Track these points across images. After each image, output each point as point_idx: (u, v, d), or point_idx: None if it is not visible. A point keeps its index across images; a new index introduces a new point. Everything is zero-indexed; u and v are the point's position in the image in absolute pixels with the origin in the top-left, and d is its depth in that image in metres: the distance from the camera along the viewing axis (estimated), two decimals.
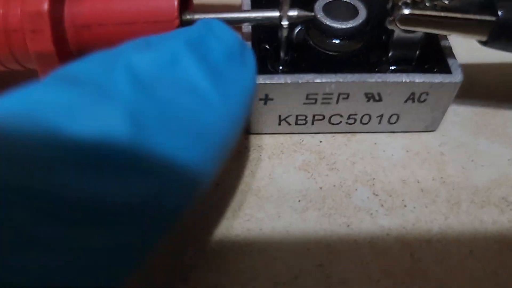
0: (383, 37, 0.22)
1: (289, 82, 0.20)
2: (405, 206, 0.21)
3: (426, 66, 0.21)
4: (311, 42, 0.22)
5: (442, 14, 0.19)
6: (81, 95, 0.12)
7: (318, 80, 0.20)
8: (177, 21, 0.20)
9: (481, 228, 0.20)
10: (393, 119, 0.22)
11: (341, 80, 0.20)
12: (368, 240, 0.20)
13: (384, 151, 0.22)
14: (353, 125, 0.22)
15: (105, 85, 0.13)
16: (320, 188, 0.21)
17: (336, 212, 0.20)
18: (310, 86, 0.20)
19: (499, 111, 0.24)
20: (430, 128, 0.23)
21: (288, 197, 0.21)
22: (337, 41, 0.22)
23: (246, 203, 0.21)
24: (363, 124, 0.22)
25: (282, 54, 0.21)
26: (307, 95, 0.21)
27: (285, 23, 0.20)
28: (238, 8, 0.23)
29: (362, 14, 0.22)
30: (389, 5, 0.20)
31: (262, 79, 0.20)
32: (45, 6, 0.19)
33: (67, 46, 0.20)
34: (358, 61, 0.22)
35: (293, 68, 0.21)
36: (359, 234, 0.20)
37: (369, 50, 0.22)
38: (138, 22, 0.20)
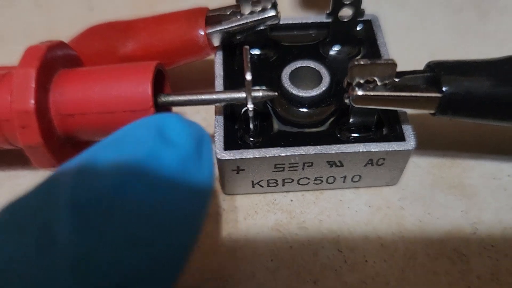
0: (344, 105, 0.24)
1: (257, 156, 0.22)
2: (366, 261, 0.23)
3: (384, 133, 0.23)
4: (277, 110, 0.24)
5: (392, 93, 0.21)
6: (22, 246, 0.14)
7: (283, 154, 0.22)
8: (152, 109, 0.22)
9: (434, 280, 0.22)
10: (356, 178, 0.24)
11: (303, 153, 0.22)
12: None
13: (348, 207, 0.24)
14: (320, 184, 0.24)
15: (47, 230, 0.14)
16: (291, 247, 0.23)
17: (304, 270, 0.23)
18: (276, 159, 0.22)
19: (455, 162, 0.26)
20: (391, 183, 0.25)
21: (262, 258, 0.23)
22: (302, 109, 0.24)
23: (224, 264, 0.23)
24: (329, 183, 0.24)
25: (250, 127, 0.23)
26: (275, 165, 0.23)
27: (250, 105, 0.22)
28: (212, 84, 0.25)
29: (326, 81, 0.24)
30: (345, 83, 0.22)
31: (232, 155, 0.22)
32: (32, 104, 0.21)
33: (55, 133, 0.22)
34: (322, 127, 0.23)
35: (261, 137, 0.23)
36: None
37: (332, 116, 0.24)
38: (117, 111, 0.22)
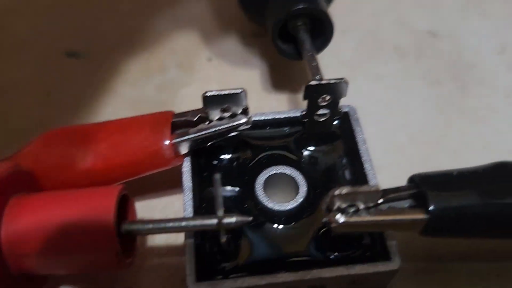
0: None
1: (234, 287, 0.20)
2: None
3: (367, 251, 0.22)
4: (252, 227, 0.22)
5: (376, 218, 0.20)
6: None
7: (261, 283, 0.20)
8: (116, 246, 0.20)
9: None
10: None
11: (282, 281, 0.20)
12: None
13: None
14: None
15: None
16: None
17: None
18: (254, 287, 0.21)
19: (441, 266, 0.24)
20: None
21: None
22: (279, 225, 0.22)
23: None
24: None
25: (223, 253, 0.21)
26: None
27: (223, 238, 0.20)
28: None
29: (303, 190, 0.23)
30: (324, 207, 0.20)
31: (206, 286, 0.20)
32: None
33: (8, 273, 0.20)
34: (300, 245, 0.22)
35: (236, 260, 0.21)
36: None
37: (310, 232, 0.22)
38: (77, 246, 0.20)
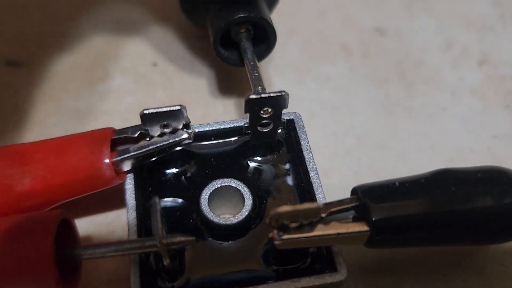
0: None
1: None
2: None
3: (313, 263, 0.22)
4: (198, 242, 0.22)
5: (319, 233, 0.20)
6: None
7: None
8: (54, 277, 0.19)
9: None
10: None
11: None
12: None
13: None
14: None
15: None
16: None
17: None
18: None
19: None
20: None
21: None
22: (223, 240, 0.22)
23: None
24: None
25: (170, 272, 0.21)
26: None
27: (166, 261, 0.20)
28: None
29: (248, 203, 0.23)
30: (267, 221, 0.20)
31: None
32: None
33: None
34: (246, 259, 0.22)
35: (181, 279, 0.21)
36: None
37: (256, 246, 0.22)
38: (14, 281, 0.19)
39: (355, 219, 0.21)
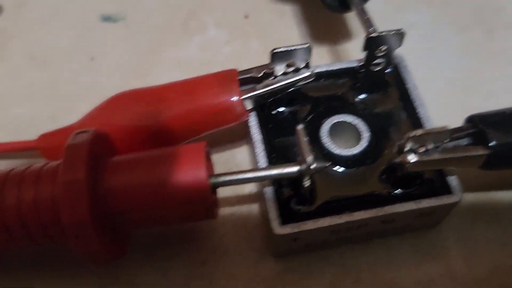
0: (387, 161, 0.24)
1: (315, 228, 0.22)
2: None
3: (429, 186, 0.23)
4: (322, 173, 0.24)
5: (444, 156, 0.22)
6: None
7: (340, 221, 0.22)
8: (210, 197, 0.21)
9: None
10: (404, 227, 0.25)
11: (359, 218, 0.22)
12: None
13: (396, 255, 0.25)
14: (369, 237, 0.25)
15: None
16: None
17: None
18: (332, 226, 0.23)
19: (496, 195, 0.27)
20: (435, 226, 0.26)
21: None
22: (345, 168, 0.24)
23: None
24: (379, 234, 0.25)
25: (302, 197, 0.23)
26: (331, 231, 0.23)
27: (307, 183, 0.22)
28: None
29: (365, 136, 0.24)
30: (396, 149, 0.22)
31: (290, 229, 0.22)
32: (87, 215, 0.20)
33: (107, 233, 0.21)
34: (368, 185, 0.24)
35: (312, 204, 0.23)
36: None
37: (376, 173, 0.24)
38: (171, 203, 0.21)
39: (471, 145, 0.23)
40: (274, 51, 0.23)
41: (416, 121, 0.25)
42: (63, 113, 0.29)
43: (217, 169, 0.27)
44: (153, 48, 0.32)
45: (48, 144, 0.26)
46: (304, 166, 0.21)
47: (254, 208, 0.26)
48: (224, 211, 0.26)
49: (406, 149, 0.22)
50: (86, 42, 0.33)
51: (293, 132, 0.25)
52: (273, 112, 0.26)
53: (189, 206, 0.21)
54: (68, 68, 0.31)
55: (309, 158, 0.20)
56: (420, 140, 0.21)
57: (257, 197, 0.27)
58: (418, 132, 0.21)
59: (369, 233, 0.24)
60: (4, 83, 0.31)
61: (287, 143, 0.25)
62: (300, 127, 0.21)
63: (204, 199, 0.21)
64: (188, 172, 0.21)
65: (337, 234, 0.24)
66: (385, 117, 0.26)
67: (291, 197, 0.23)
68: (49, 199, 0.21)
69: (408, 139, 0.21)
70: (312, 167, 0.21)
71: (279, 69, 0.24)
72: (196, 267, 0.25)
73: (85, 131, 0.22)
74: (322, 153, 0.24)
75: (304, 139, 0.21)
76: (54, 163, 0.23)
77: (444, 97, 0.30)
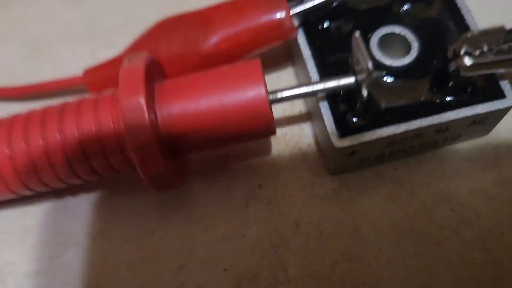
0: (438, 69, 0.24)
1: (374, 139, 0.22)
2: (478, 215, 0.24)
3: (480, 92, 0.23)
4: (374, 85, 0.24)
5: (500, 58, 0.21)
6: None
7: (398, 131, 0.22)
8: (270, 114, 0.21)
9: None
10: (456, 137, 0.25)
11: (417, 127, 0.22)
12: (456, 254, 0.23)
13: (448, 166, 0.25)
14: (422, 149, 0.25)
15: None
16: (407, 215, 0.24)
17: (425, 235, 0.24)
18: (391, 137, 0.23)
19: None
20: (485, 134, 0.26)
21: (383, 231, 0.24)
22: (397, 79, 0.24)
23: (350, 244, 0.24)
24: (431, 145, 0.25)
25: (357, 109, 0.23)
26: (388, 142, 0.23)
27: (365, 92, 0.22)
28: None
29: (415, 46, 0.24)
30: (450, 53, 0.22)
31: (349, 141, 0.22)
32: (151, 138, 0.20)
33: (167, 155, 0.22)
34: (420, 95, 0.24)
35: (367, 116, 0.23)
36: (448, 250, 0.23)
37: (427, 82, 0.24)
38: (232, 121, 0.21)
39: None
40: None
41: (464, 30, 0.25)
42: (102, 49, 0.29)
43: None
44: None
45: (94, 78, 0.26)
46: (363, 75, 0.21)
47: (305, 127, 0.26)
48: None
49: (462, 52, 0.21)
50: None
51: (340, 48, 0.25)
52: (319, 28, 0.25)
53: (250, 122, 0.21)
54: (101, 3, 0.31)
55: (370, 64, 0.20)
56: (475, 42, 0.21)
57: (308, 116, 0.27)
58: (475, 32, 0.21)
59: (422, 144, 0.25)
60: (39, 24, 0.31)
61: (335, 59, 0.25)
62: (357, 34, 0.21)
63: (265, 114, 0.21)
64: (247, 88, 0.21)
65: (392, 146, 0.24)
66: (432, 27, 0.25)
67: (346, 112, 0.23)
68: (110, 125, 0.21)
69: (464, 40, 0.21)
70: (373, 74, 0.21)
71: None
72: (253, 189, 0.25)
73: (137, 56, 0.22)
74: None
75: (362, 46, 0.21)
76: (109, 91, 0.23)
77: (490, 3, 0.29)
